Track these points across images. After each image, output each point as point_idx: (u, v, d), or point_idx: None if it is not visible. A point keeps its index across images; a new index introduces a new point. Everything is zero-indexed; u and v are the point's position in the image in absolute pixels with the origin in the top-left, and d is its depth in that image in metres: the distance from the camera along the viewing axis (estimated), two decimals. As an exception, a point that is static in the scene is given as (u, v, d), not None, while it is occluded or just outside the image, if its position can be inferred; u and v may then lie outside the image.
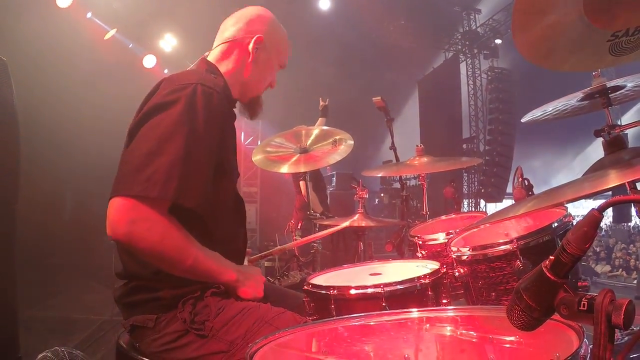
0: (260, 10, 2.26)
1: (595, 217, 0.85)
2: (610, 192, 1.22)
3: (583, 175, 1.49)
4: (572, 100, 2.02)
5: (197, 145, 1.78)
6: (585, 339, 0.96)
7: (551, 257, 0.88)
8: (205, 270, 1.83)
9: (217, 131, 1.89)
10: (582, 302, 0.83)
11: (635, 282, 8.89)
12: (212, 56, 2.21)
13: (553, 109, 2.11)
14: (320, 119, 6.23)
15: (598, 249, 11.24)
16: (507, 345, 1.26)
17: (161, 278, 1.82)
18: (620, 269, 10.19)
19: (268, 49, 2.20)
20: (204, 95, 1.83)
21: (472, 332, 1.39)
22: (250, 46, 2.15)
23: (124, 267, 1.95)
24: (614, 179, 1.09)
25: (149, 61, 8.71)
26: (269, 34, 2.20)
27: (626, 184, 1.36)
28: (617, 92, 1.94)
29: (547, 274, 0.88)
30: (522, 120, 2.27)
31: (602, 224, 12.37)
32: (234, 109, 2.23)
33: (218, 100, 1.89)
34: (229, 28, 2.21)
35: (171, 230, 1.74)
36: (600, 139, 1.76)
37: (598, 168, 1.51)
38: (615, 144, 1.52)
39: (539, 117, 2.18)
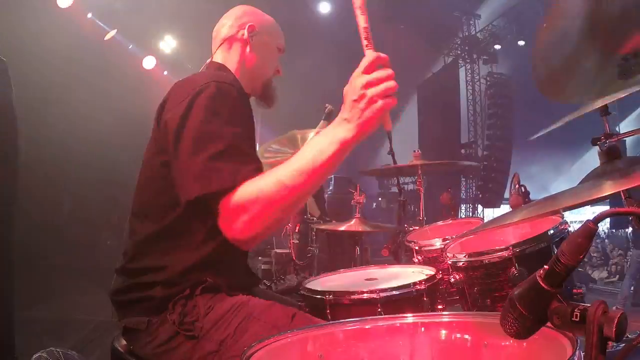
0: (244, 6, 2.33)
1: (590, 228, 0.85)
2: (607, 200, 1.23)
3: (579, 183, 1.50)
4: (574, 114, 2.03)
5: (233, 133, 1.77)
6: (578, 348, 0.96)
7: (545, 267, 0.89)
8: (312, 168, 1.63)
9: (246, 118, 1.92)
10: (575, 313, 0.84)
11: (632, 289, 8.87)
12: (215, 59, 2.26)
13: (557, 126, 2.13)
14: (322, 122, 6.13)
15: (595, 255, 11.23)
16: (502, 352, 1.26)
17: (152, 276, 1.83)
18: (617, 276, 10.18)
19: (261, 33, 2.25)
20: (220, 89, 1.84)
21: (466, 338, 1.40)
22: (245, 34, 2.21)
23: (124, 260, 1.96)
24: (608, 188, 1.10)
25: (149, 62, 8.71)
26: (257, 20, 2.27)
27: (621, 193, 1.37)
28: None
29: (541, 283, 0.88)
30: (530, 138, 2.29)
31: (600, 230, 12.39)
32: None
33: (237, 92, 1.91)
34: (221, 30, 2.27)
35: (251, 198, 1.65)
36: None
37: (593, 177, 1.51)
38: (611, 154, 1.52)
39: (544, 133, 2.20)
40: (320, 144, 1.63)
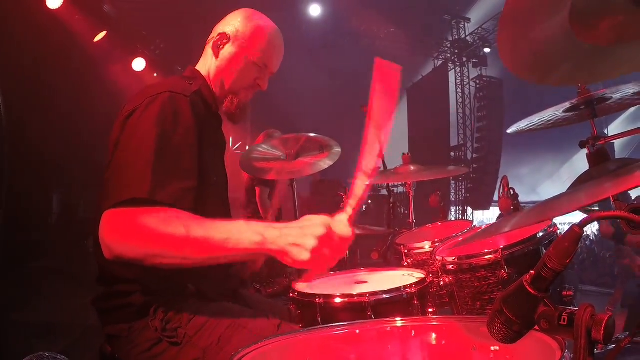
0: (241, 10, 2.20)
1: (576, 233, 0.85)
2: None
3: (569, 187, 1.50)
4: (558, 110, 2.03)
5: (169, 147, 1.73)
6: (567, 351, 0.96)
7: (532, 272, 0.89)
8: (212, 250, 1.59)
9: (192, 134, 1.83)
10: (563, 317, 0.84)
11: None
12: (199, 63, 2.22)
13: (539, 120, 2.12)
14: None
15: (586, 256, 11.28)
16: (491, 355, 1.26)
17: (132, 283, 1.82)
18: (606, 277, 10.22)
19: (235, 44, 2.12)
20: (170, 101, 1.80)
21: (456, 342, 1.40)
22: (211, 43, 2.14)
23: (99, 272, 1.94)
24: (600, 193, 1.09)
25: (139, 64, 8.64)
26: (236, 29, 2.13)
27: (610, 196, 1.37)
28: (603, 104, 1.96)
29: (528, 288, 0.88)
30: (508, 131, 2.28)
31: (590, 232, 12.44)
32: (220, 115, 2.22)
33: (189, 104, 1.85)
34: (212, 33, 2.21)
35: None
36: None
37: (585, 180, 1.52)
38: (599, 157, 1.53)
39: (525, 127, 2.19)
40: (242, 231, 1.58)
